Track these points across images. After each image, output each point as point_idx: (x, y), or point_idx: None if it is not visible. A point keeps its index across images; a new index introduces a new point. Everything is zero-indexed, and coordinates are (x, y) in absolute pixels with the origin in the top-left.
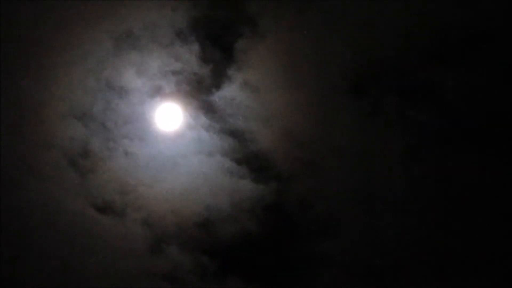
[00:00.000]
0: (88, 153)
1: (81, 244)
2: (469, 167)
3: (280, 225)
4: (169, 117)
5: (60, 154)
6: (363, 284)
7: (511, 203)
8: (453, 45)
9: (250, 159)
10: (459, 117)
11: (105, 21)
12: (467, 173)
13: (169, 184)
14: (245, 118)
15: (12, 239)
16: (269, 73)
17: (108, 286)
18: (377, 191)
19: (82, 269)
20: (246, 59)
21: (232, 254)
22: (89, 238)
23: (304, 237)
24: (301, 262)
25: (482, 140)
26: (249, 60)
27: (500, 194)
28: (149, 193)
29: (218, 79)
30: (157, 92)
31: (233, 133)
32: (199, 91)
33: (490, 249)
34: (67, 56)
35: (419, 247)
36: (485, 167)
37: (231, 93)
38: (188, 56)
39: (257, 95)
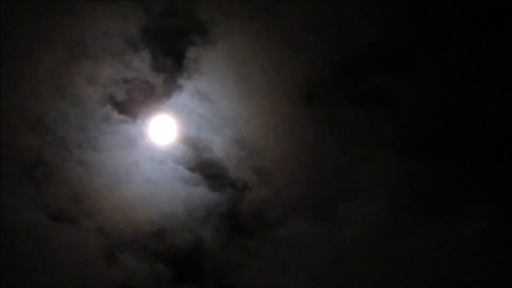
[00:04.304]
0: (41, 162)
1: (35, 252)
2: (424, 172)
3: (234, 232)
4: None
5: (14, 164)
6: None
7: (464, 209)
8: (404, 51)
9: (203, 167)
10: (413, 123)
11: (57, 30)
12: (422, 178)
13: (122, 192)
14: (197, 126)
15: None
16: (220, 81)
17: None
18: (330, 199)
19: (36, 277)
20: (197, 68)
21: (187, 261)
22: (43, 247)
23: (257, 246)
24: (257, 271)
25: (436, 145)
26: (201, 69)
27: (454, 199)
28: (103, 201)
29: (169, 87)
30: (109, 101)
31: (185, 141)
32: (150, 99)
33: (445, 256)
34: (19, 65)
35: (373, 254)
36: (440, 172)
37: (182, 101)
38: (140, 65)
39: (208, 103)
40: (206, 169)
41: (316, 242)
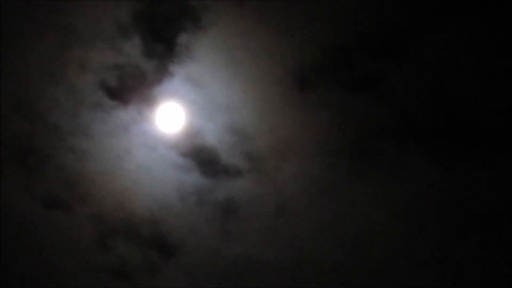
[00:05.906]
0: (33, 149)
1: (27, 240)
2: (416, 161)
3: (228, 219)
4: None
5: (5, 151)
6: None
7: (457, 198)
8: (397, 37)
9: (195, 153)
10: (406, 110)
11: (47, 15)
12: (415, 167)
13: (115, 179)
14: (188, 112)
15: None
16: (212, 67)
17: (55, 283)
18: (324, 185)
19: (29, 266)
20: (188, 54)
21: (181, 249)
22: (35, 234)
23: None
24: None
25: (429, 133)
26: (192, 55)
27: (446, 186)
28: (95, 188)
29: (160, 73)
30: (100, 87)
31: (177, 127)
32: (142, 85)
33: (439, 249)
34: (9, 51)
35: (364, 238)
36: (434, 160)
37: (174, 87)
38: (131, 51)
39: (200, 89)
40: (198, 155)
41: (311, 230)
